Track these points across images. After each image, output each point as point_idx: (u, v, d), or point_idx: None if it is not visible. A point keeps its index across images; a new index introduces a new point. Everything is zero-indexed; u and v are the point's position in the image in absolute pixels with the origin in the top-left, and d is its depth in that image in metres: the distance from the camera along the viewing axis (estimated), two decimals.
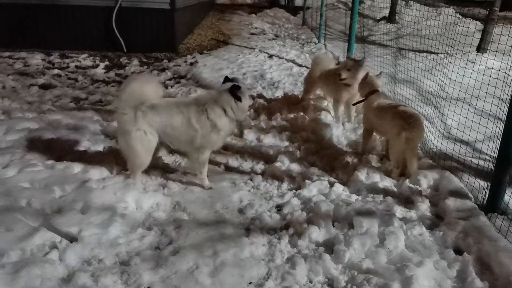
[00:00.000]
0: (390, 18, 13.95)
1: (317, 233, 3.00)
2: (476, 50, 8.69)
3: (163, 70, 8.36)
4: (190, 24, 12.60)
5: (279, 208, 3.47)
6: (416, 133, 3.75)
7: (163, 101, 3.62)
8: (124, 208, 3.23)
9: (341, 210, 3.24)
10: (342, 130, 5.09)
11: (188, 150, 3.72)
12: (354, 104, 4.92)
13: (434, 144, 4.38)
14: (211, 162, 3.98)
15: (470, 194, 3.41)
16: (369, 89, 4.42)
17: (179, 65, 8.77)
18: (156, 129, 3.54)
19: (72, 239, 2.82)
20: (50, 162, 3.86)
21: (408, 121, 3.75)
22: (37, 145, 4.19)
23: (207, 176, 3.80)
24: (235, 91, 3.51)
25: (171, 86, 7.20)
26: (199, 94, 4.01)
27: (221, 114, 3.54)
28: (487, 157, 4.04)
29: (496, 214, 3.11)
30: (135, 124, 3.43)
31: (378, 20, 14.09)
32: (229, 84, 3.56)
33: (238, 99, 3.52)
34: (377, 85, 4.44)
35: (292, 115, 5.45)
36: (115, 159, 3.98)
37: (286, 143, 4.75)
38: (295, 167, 4.10)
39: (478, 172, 3.81)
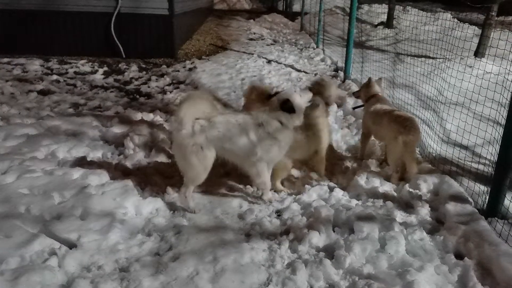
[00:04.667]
0: (388, 23, 14.00)
1: (318, 238, 2.99)
2: (474, 55, 8.71)
3: (162, 75, 8.36)
4: (189, 30, 12.64)
5: (279, 213, 3.46)
6: (413, 136, 3.77)
7: (220, 116, 3.48)
8: (123, 214, 3.22)
9: (341, 215, 3.24)
10: (341, 135, 5.09)
11: (246, 164, 3.57)
12: (354, 109, 4.91)
13: (433, 149, 4.38)
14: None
15: (470, 199, 3.41)
16: (369, 94, 4.43)
17: (178, 71, 8.78)
18: (215, 144, 3.39)
19: (72, 245, 2.81)
20: (49, 168, 3.85)
21: (404, 124, 3.77)
22: (36, 151, 4.18)
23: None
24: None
25: (170, 92, 7.21)
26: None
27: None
28: (487, 162, 4.05)
29: (496, 218, 3.11)
30: (192, 138, 3.29)
31: (376, 25, 14.13)
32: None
33: None
34: (377, 90, 4.45)
35: None
36: (114, 165, 3.97)
37: None
38: (295, 172, 4.09)
39: (478, 177, 3.81)
